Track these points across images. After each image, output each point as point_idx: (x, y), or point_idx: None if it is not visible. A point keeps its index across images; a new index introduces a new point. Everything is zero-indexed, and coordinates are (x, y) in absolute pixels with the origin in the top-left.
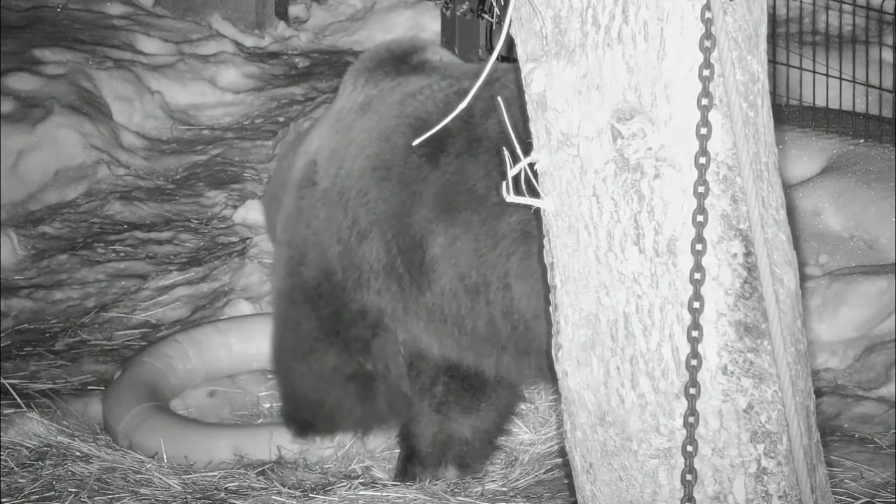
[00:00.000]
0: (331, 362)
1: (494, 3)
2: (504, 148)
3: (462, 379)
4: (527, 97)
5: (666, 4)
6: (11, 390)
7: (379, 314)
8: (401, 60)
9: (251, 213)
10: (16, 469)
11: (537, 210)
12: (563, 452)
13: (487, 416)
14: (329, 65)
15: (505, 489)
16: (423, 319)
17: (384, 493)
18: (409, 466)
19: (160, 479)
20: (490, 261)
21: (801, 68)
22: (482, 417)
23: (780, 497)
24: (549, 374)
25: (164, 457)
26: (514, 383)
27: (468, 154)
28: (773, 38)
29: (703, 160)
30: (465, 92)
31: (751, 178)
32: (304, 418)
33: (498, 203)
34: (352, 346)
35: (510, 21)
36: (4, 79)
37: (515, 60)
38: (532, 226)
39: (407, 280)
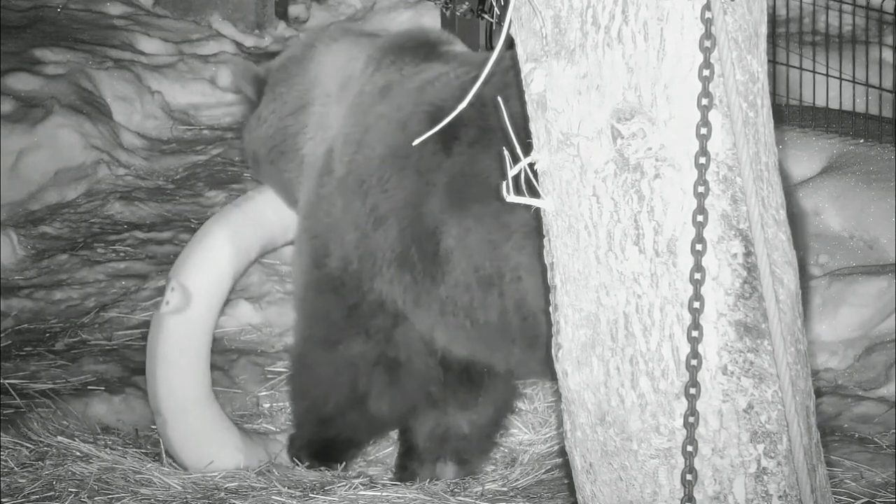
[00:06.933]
0: (357, 350)
1: (494, 3)
2: (504, 147)
3: (457, 374)
4: (527, 97)
5: (666, 4)
6: (11, 390)
7: (395, 304)
8: (429, 47)
9: None
10: (16, 469)
11: (537, 210)
12: (563, 452)
13: (485, 411)
14: None
15: (505, 489)
16: (434, 312)
17: (384, 493)
18: (408, 462)
19: (160, 479)
20: (503, 252)
21: (801, 68)
22: (479, 412)
23: (780, 497)
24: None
25: (164, 454)
26: (522, 377)
27: (480, 144)
28: (773, 38)
29: (703, 160)
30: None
31: (751, 178)
32: (323, 436)
33: None
34: (374, 337)
35: (510, 21)
36: (4, 79)
37: None
38: None
39: (420, 271)
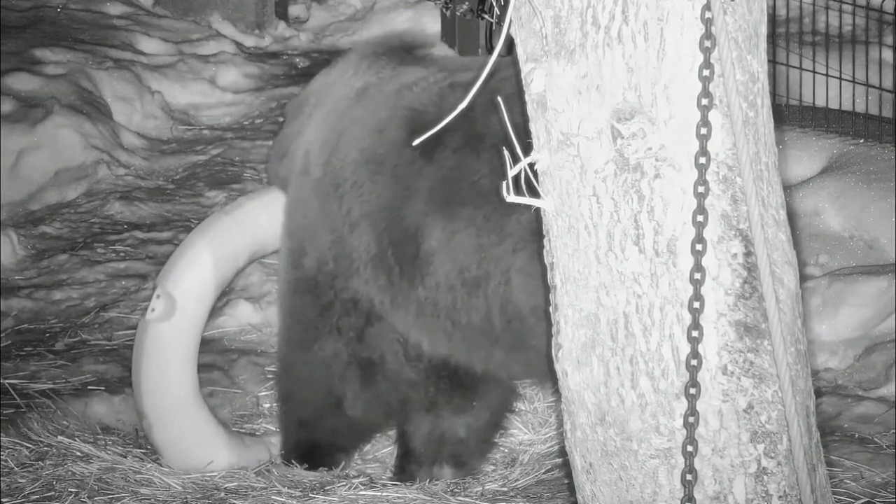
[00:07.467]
0: (331, 349)
1: (494, 3)
2: (504, 148)
3: (451, 378)
4: (527, 97)
5: (666, 4)
6: (11, 390)
7: (370, 303)
8: (406, 51)
9: None
10: (16, 469)
11: (536, 211)
12: (563, 452)
13: (481, 414)
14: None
15: (505, 489)
16: (412, 313)
17: (384, 493)
18: (406, 465)
19: (160, 479)
20: (493, 255)
21: (801, 68)
22: (475, 416)
23: (780, 497)
24: (537, 371)
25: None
26: (503, 379)
27: (468, 149)
28: (773, 38)
29: (703, 160)
30: (459, 84)
31: (751, 178)
32: (307, 439)
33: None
34: (345, 335)
35: (510, 21)
36: (4, 79)
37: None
38: None
39: (397, 273)
